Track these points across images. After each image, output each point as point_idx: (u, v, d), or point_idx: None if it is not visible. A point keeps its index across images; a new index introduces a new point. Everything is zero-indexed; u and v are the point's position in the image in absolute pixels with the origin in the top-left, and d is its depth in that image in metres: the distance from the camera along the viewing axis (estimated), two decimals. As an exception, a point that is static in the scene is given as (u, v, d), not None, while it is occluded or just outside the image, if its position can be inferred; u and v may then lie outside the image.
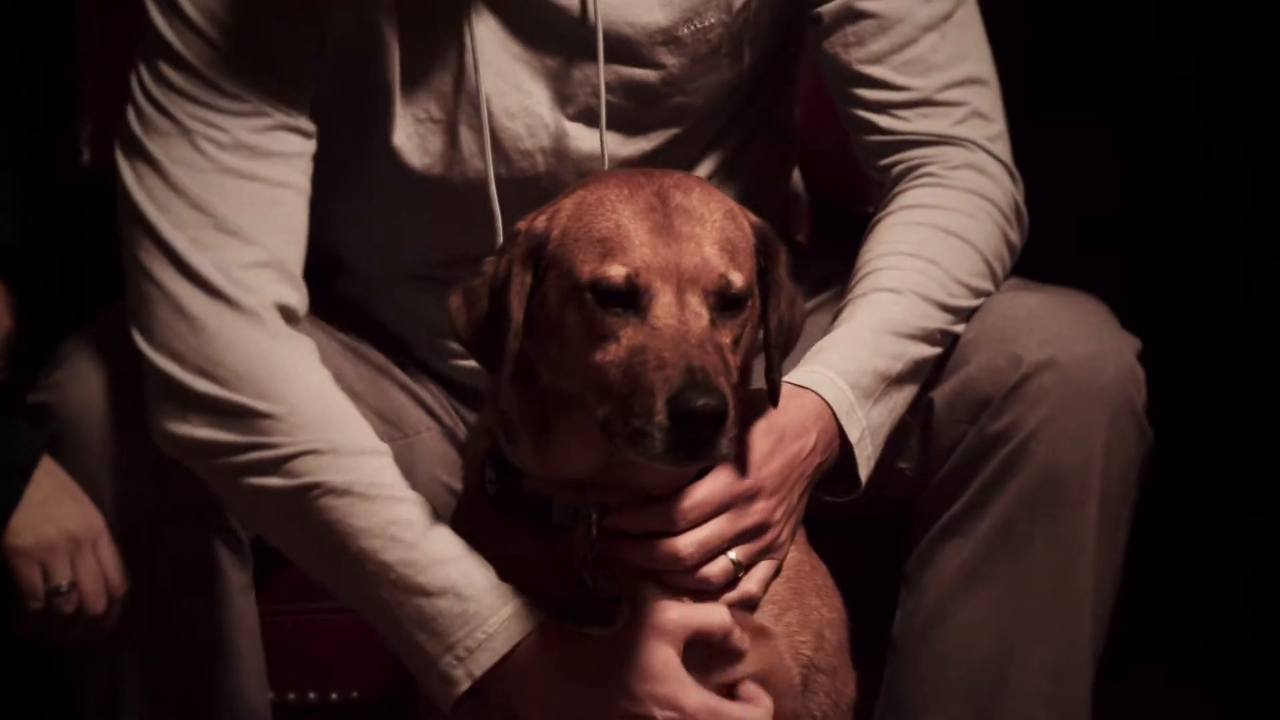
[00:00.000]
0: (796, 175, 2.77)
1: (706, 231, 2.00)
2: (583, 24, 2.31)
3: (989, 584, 2.30)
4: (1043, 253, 2.46)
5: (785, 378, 2.17)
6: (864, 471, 2.21)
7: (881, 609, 2.40)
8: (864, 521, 2.43)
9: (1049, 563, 2.28)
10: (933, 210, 2.34)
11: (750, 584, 2.12)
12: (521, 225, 2.09)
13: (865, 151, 2.46)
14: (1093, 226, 3.73)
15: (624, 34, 2.34)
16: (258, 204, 2.21)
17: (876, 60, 2.37)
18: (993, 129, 2.41)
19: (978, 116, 2.39)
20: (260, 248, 2.20)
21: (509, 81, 2.35)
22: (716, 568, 2.09)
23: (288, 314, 2.22)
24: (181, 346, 2.18)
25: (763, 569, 2.13)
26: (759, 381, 2.17)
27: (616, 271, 1.97)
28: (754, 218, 2.10)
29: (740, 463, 2.11)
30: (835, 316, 2.30)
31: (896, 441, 2.29)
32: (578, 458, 2.07)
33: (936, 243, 2.31)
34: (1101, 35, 3.74)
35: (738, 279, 1.99)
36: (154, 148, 2.22)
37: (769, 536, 2.12)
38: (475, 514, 2.17)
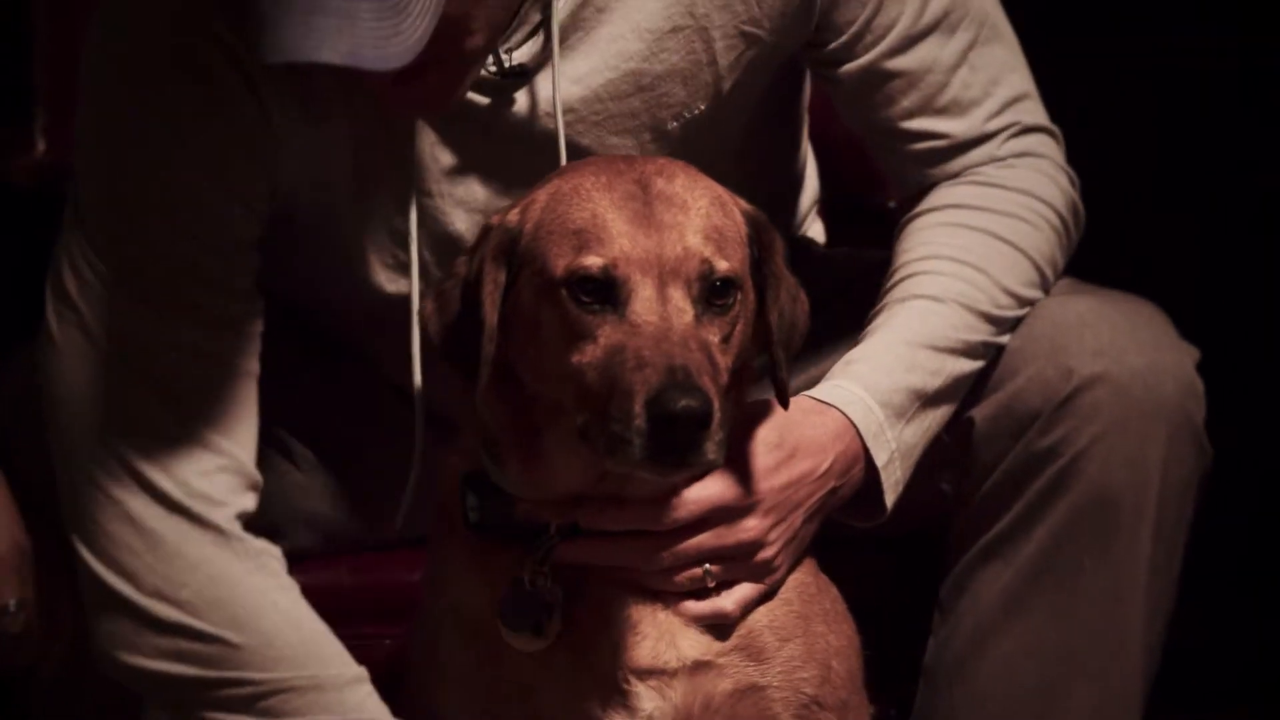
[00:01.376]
0: (811, 167, 2.65)
1: (690, 220, 1.90)
2: (549, 143, 2.16)
3: (1032, 612, 2.20)
4: (1093, 254, 2.37)
5: (810, 392, 2.09)
6: (890, 497, 2.11)
7: (912, 633, 2.31)
8: (894, 538, 2.30)
9: (1098, 590, 2.18)
10: (981, 212, 2.24)
11: (726, 602, 2.00)
12: (494, 220, 1.98)
13: (904, 183, 2.35)
14: (1146, 225, 3.59)
15: (609, 144, 2.21)
16: (214, 399, 2.08)
17: (910, 115, 2.26)
18: (1040, 136, 2.32)
19: (1025, 132, 2.30)
20: (218, 451, 2.07)
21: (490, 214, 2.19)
22: (683, 574, 1.99)
23: (247, 520, 2.09)
24: (136, 564, 2.04)
25: (745, 590, 2.01)
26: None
27: (592, 262, 1.87)
28: (745, 205, 1.99)
29: (741, 474, 2.00)
30: (868, 322, 2.19)
31: (932, 458, 2.18)
32: (567, 472, 1.96)
33: (985, 248, 2.21)
34: (1164, 29, 3.60)
35: (722, 264, 1.89)
36: (92, 318, 2.07)
37: (759, 558, 2.01)
38: (457, 539, 2.05)
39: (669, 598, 1.99)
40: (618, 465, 1.85)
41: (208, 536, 2.03)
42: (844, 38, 2.22)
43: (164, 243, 2.07)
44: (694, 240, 1.89)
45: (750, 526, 2.00)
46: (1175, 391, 2.17)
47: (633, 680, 1.97)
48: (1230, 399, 2.34)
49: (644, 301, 1.86)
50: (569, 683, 1.98)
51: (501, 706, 2.01)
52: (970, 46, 2.25)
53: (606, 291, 1.87)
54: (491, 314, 1.91)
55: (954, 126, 2.26)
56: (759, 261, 1.98)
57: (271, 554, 2.09)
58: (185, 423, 2.05)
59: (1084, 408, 2.15)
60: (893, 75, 2.24)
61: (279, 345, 2.18)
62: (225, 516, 2.05)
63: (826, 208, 2.73)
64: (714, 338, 1.89)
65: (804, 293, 2.04)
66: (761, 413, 2.04)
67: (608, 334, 1.86)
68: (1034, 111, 2.31)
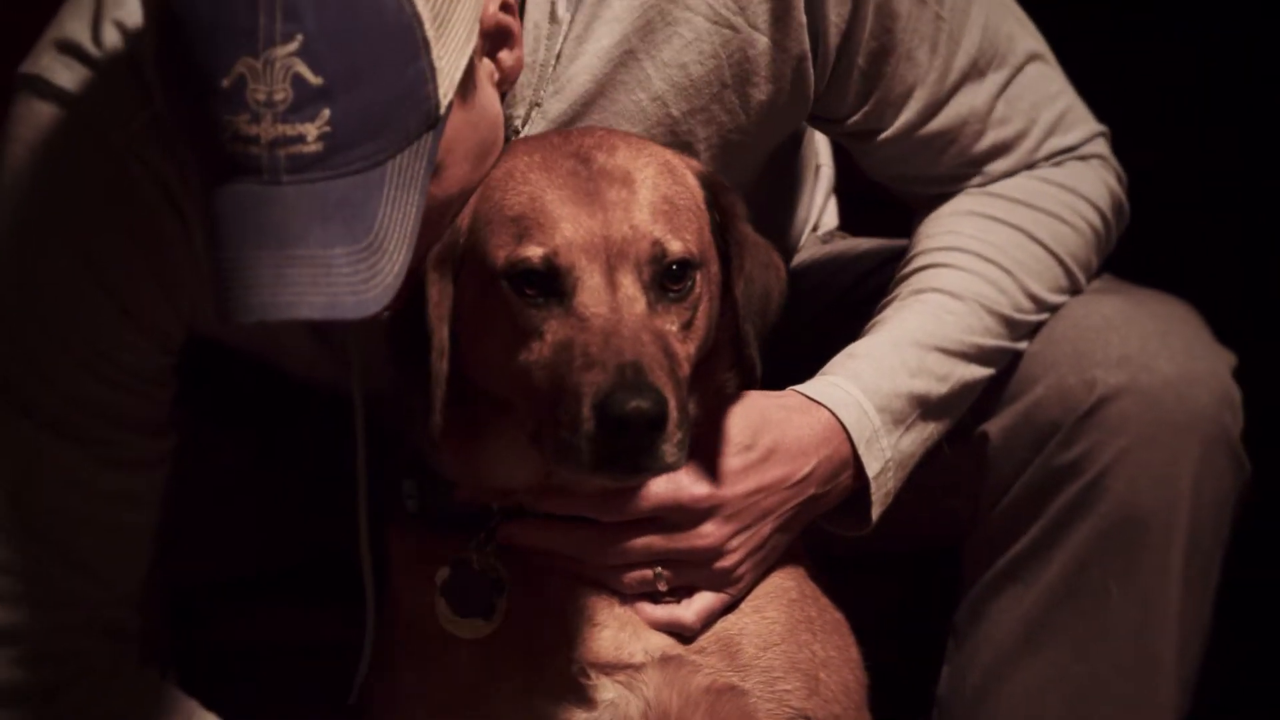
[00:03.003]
0: (826, 154, 2.59)
1: (637, 194, 1.83)
2: None
3: (1054, 641, 2.12)
4: (1123, 250, 2.27)
5: (799, 387, 2.01)
6: (877, 510, 2.02)
7: (925, 660, 2.24)
8: (904, 557, 2.29)
9: (1126, 618, 2.11)
10: (1019, 206, 2.15)
11: (686, 612, 1.93)
12: None
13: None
14: (1183, 219, 3.48)
15: None
16: (92, 542, 2.01)
17: (952, 168, 2.18)
18: (1086, 145, 2.23)
19: (1070, 149, 2.21)
20: (84, 603, 2.03)
21: None
22: (632, 574, 1.93)
23: (117, 637, 2.07)
24: None
25: (705, 600, 1.94)
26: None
27: (533, 253, 1.80)
28: (698, 165, 1.93)
29: (705, 474, 1.93)
30: (877, 310, 2.12)
31: (939, 473, 2.10)
32: (513, 471, 1.90)
33: (1017, 249, 2.12)
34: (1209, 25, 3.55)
35: (676, 245, 1.82)
36: None
37: (717, 566, 1.94)
38: (399, 533, 2.00)
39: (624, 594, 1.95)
40: (569, 473, 1.79)
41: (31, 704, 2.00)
42: (858, 116, 2.13)
43: (66, 378, 1.98)
44: (642, 217, 1.81)
45: (707, 533, 1.92)
46: (1209, 401, 2.09)
47: (592, 674, 1.91)
48: (1271, 408, 2.27)
49: (591, 291, 1.79)
50: (520, 679, 1.92)
51: (452, 709, 1.94)
52: (1005, 84, 2.16)
53: (550, 283, 1.80)
54: (440, 329, 1.83)
55: (998, 166, 2.18)
56: (722, 226, 1.90)
57: (99, 692, 2.03)
58: (54, 570, 2.00)
59: (1109, 420, 2.07)
60: (930, 138, 2.15)
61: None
62: (64, 678, 2.01)
63: (841, 195, 2.65)
64: (671, 326, 1.82)
65: (778, 256, 1.97)
66: (739, 406, 1.96)
67: (554, 329, 1.79)
68: (1079, 123, 2.22)
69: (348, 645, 2.11)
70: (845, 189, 2.64)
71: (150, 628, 2.14)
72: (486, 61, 1.84)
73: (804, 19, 2.01)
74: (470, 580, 1.90)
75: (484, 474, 1.90)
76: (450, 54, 1.71)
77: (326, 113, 1.65)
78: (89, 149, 1.94)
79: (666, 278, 1.81)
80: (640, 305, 1.79)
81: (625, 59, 1.99)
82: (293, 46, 1.64)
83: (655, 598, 1.93)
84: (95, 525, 2.01)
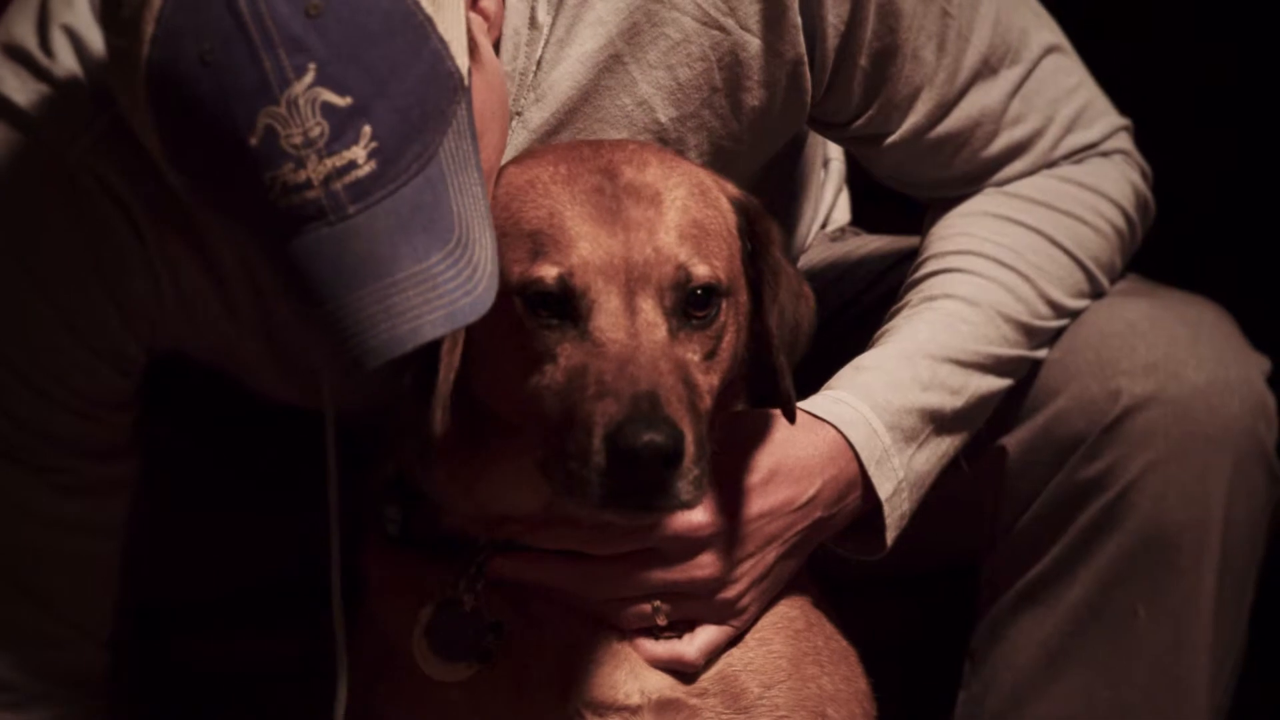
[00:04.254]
0: (836, 147, 2.53)
1: (664, 215, 1.76)
2: None
3: (1078, 666, 2.09)
4: (1152, 250, 2.23)
5: (803, 404, 1.95)
6: (892, 533, 1.97)
7: (940, 686, 2.20)
8: (916, 577, 2.24)
9: (1154, 641, 2.07)
10: (1038, 208, 2.10)
11: (688, 648, 1.88)
12: None
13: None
14: (1212, 218, 3.46)
15: None
16: (52, 575, 1.99)
17: (969, 172, 2.13)
18: (1108, 140, 2.18)
19: (1091, 145, 2.16)
20: (43, 640, 2.01)
21: None
22: (630, 610, 1.88)
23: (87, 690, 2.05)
24: None
25: (709, 635, 1.89)
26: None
27: (547, 273, 1.74)
28: (734, 190, 1.86)
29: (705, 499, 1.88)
30: (888, 318, 2.07)
31: (954, 489, 2.04)
32: (513, 497, 1.84)
33: (1035, 253, 2.06)
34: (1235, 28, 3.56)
35: (702, 270, 1.76)
36: None
37: (720, 597, 1.89)
38: (376, 556, 1.94)
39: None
40: (577, 508, 1.72)
41: None
42: (862, 120, 2.07)
43: (18, 403, 1.94)
44: (667, 240, 1.75)
45: (707, 563, 1.87)
46: (1242, 411, 2.04)
47: (586, 714, 1.85)
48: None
49: (608, 316, 1.73)
50: (511, 718, 1.87)
51: None
52: (1020, 81, 2.11)
53: (565, 304, 1.74)
54: (448, 341, 1.74)
55: (1014, 168, 2.13)
56: (753, 254, 1.85)
57: None
58: (19, 609, 1.99)
59: (1135, 432, 2.03)
60: (940, 142, 2.09)
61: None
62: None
63: (853, 188, 2.61)
64: (693, 355, 1.76)
65: (808, 287, 1.92)
66: (737, 427, 1.90)
67: (568, 353, 1.74)
68: (1100, 117, 2.17)
69: (324, 666, 2.03)
70: (857, 181, 2.57)
71: (121, 659, 2.11)
72: (474, 16, 1.78)
73: (799, 21, 1.94)
74: (460, 621, 1.83)
75: (483, 499, 1.84)
76: (452, 21, 1.66)
77: (368, 129, 1.60)
78: (40, 167, 1.88)
79: (690, 304, 1.75)
80: (660, 332, 1.73)
81: (610, 64, 1.92)
82: (309, 78, 1.58)
83: (657, 632, 1.86)
84: (56, 557, 1.96)
